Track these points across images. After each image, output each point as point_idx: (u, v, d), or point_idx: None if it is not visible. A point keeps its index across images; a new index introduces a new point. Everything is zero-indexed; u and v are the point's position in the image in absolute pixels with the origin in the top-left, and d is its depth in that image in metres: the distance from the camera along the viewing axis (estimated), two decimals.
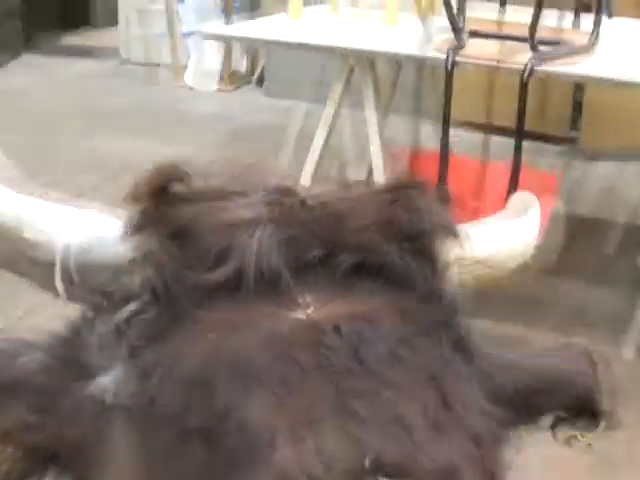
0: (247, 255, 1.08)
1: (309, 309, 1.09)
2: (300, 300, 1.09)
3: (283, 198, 1.15)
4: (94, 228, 1.16)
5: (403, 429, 1.01)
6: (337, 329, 1.06)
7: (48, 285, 1.17)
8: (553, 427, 1.34)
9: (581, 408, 1.32)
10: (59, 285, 1.16)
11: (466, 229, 1.27)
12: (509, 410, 1.23)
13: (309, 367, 1.03)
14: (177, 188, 1.15)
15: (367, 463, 0.98)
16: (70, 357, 1.15)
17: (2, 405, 1.14)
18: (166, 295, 1.08)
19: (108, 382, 1.09)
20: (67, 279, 1.16)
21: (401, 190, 1.21)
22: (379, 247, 1.13)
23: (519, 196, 1.48)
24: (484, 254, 1.31)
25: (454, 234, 1.21)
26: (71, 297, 1.17)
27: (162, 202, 1.13)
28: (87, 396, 1.11)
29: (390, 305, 1.11)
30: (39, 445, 1.16)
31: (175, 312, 1.08)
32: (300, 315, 1.08)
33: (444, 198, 1.25)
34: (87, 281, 1.15)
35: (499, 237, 1.35)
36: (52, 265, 1.15)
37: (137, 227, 1.13)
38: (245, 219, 1.11)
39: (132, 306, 1.09)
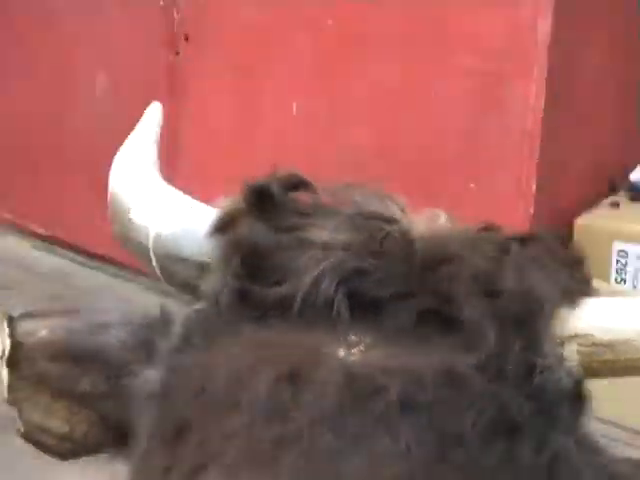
0: (304, 279, 1.04)
1: (352, 349, 1.02)
2: (349, 337, 1.03)
3: (380, 224, 1.09)
4: (187, 219, 1.19)
5: None
6: (345, 375, 0.98)
7: (151, 268, 1.21)
8: None
9: None
10: (156, 268, 1.20)
11: (593, 305, 1.10)
12: None
13: (291, 407, 0.97)
14: (279, 196, 1.13)
15: None
16: (148, 340, 1.19)
17: (82, 370, 1.22)
18: (220, 303, 1.08)
19: (158, 370, 1.13)
20: (161, 266, 1.20)
21: (516, 243, 1.09)
22: (457, 299, 1.03)
23: None
24: (608, 337, 1.09)
25: (549, 302, 1.05)
26: (172, 284, 1.21)
27: (252, 207, 1.12)
28: (143, 379, 1.15)
29: (438, 365, 1.00)
30: (110, 413, 1.22)
31: (225, 320, 1.07)
32: (333, 352, 1.02)
33: (576, 261, 1.12)
34: (177, 272, 1.18)
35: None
36: (149, 250, 1.20)
37: (220, 228, 1.13)
38: (321, 241, 1.07)
39: (198, 305, 1.12)
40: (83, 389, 1.22)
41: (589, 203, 3.72)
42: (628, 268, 3.47)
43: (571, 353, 1.09)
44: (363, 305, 1.04)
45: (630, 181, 3.65)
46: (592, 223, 3.57)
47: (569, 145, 3.67)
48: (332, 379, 0.98)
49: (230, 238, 1.11)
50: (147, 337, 1.20)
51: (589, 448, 1.09)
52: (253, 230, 1.10)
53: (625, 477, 1.09)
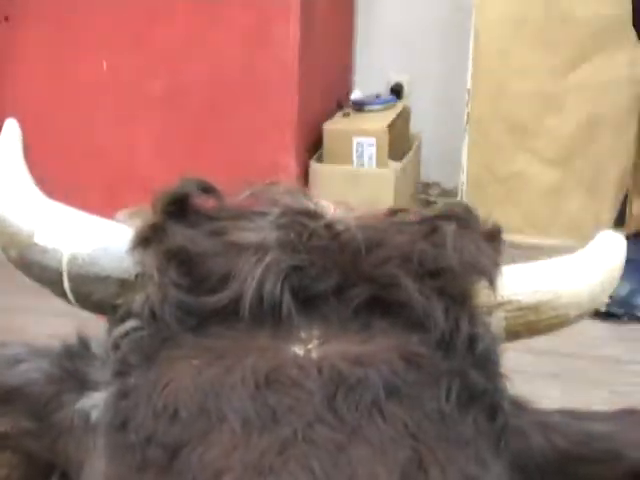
0: (247, 282, 1.02)
1: (308, 345, 1.02)
2: (301, 334, 1.02)
3: (306, 221, 1.08)
4: (102, 238, 1.13)
5: None
6: (320, 372, 0.98)
7: (59, 291, 1.14)
8: None
9: None
10: (69, 293, 1.14)
11: (513, 270, 1.15)
12: (541, 475, 1.12)
13: (279, 410, 0.96)
14: (195, 203, 1.11)
15: None
16: (73, 369, 1.13)
17: (1, 409, 1.13)
18: (160, 317, 1.03)
19: (97, 398, 1.07)
20: (76, 288, 1.13)
21: (438, 222, 1.11)
22: (397, 282, 1.04)
23: (605, 235, 1.30)
24: (534, 300, 1.16)
25: (487, 275, 1.09)
26: (84, 306, 1.15)
27: (173, 217, 1.09)
28: (79, 410, 1.10)
29: (397, 348, 1.02)
30: (36, 453, 1.14)
31: (167, 335, 1.03)
32: (295, 350, 1.01)
33: (493, 234, 1.15)
34: (94, 292, 1.12)
35: (559, 280, 1.19)
36: (60, 272, 1.13)
37: (143, 241, 1.09)
38: (254, 242, 1.05)
39: (130, 323, 1.06)
40: (4, 431, 1.14)
41: (329, 115, 5.22)
42: (365, 154, 5.04)
43: (498, 319, 1.14)
44: (306, 301, 1.04)
45: (351, 99, 5.41)
46: (335, 127, 5.16)
47: (314, 74, 5.02)
48: (309, 378, 0.98)
49: (160, 249, 1.06)
50: (71, 366, 1.13)
51: (521, 407, 1.15)
52: (182, 238, 1.07)
53: (559, 426, 1.15)
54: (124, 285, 1.10)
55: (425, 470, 0.96)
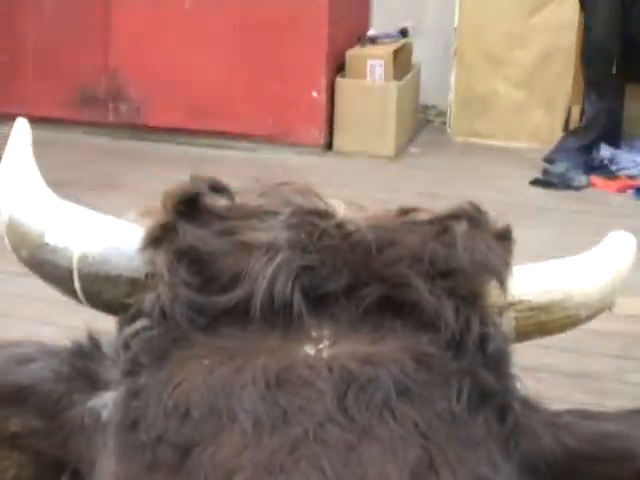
0: (258, 281, 1.02)
1: (319, 345, 1.01)
2: (312, 334, 1.02)
3: (317, 221, 1.08)
4: (113, 237, 1.13)
5: None
6: (331, 371, 0.98)
7: (69, 291, 1.14)
8: None
9: None
10: (79, 292, 1.13)
11: (524, 270, 1.15)
12: (552, 475, 1.12)
13: (290, 410, 0.96)
14: (206, 203, 1.10)
15: None
16: (84, 368, 1.12)
17: (11, 408, 1.12)
18: (171, 316, 1.03)
19: (108, 398, 1.07)
20: (86, 287, 1.13)
21: (449, 222, 1.10)
22: (408, 282, 1.04)
23: (615, 234, 1.30)
24: (545, 300, 1.16)
25: (497, 275, 1.09)
26: (94, 305, 1.14)
27: (184, 216, 1.08)
28: (90, 409, 1.09)
29: (408, 348, 1.02)
30: (45, 451, 1.14)
31: (177, 334, 1.03)
32: (306, 350, 1.01)
33: (503, 233, 1.14)
34: (105, 291, 1.12)
35: (570, 280, 1.19)
36: (71, 271, 1.12)
37: (154, 241, 1.08)
38: (265, 241, 1.05)
39: (141, 322, 1.05)
40: (13, 430, 1.13)
41: (350, 45, 7.22)
42: (375, 73, 7.06)
43: (509, 319, 1.13)
44: (317, 301, 1.03)
45: (367, 35, 7.35)
46: (354, 53, 7.19)
47: (340, 15, 7.07)
48: (320, 378, 0.98)
49: (171, 248, 1.06)
50: (82, 365, 1.13)
51: (532, 407, 1.14)
52: (193, 238, 1.06)
53: (570, 426, 1.14)
54: (135, 284, 1.10)
55: (436, 470, 0.96)
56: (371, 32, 7.41)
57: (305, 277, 1.03)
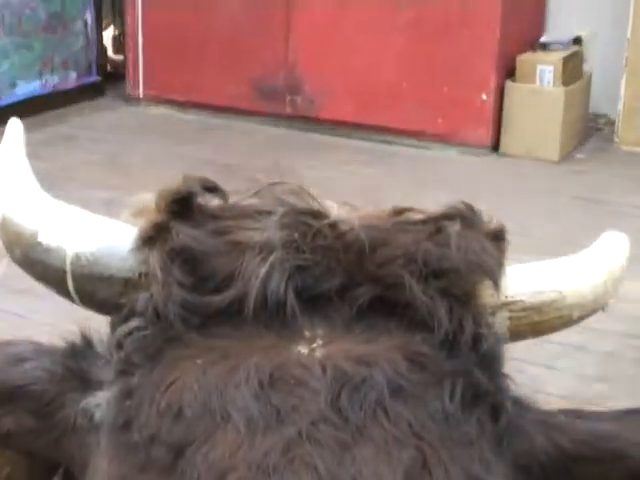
0: (252, 281, 1.02)
1: (312, 344, 1.02)
2: (305, 333, 1.02)
3: (310, 221, 1.07)
4: (106, 237, 1.13)
5: None
6: (324, 371, 0.98)
7: (63, 291, 1.14)
8: None
9: None
10: (73, 292, 1.13)
11: (517, 270, 1.15)
12: (545, 476, 1.12)
13: (284, 409, 0.96)
14: (200, 203, 1.10)
15: None
16: (77, 368, 1.12)
17: (4, 407, 1.13)
18: (164, 316, 1.03)
19: (101, 398, 1.07)
20: (80, 287, 1.13)
21: (442, 222, 1.10)
22: (401, 282, 1.04)
23: (609, 235, 1.29)
24: (538, 300, 1.15)
25: (491, 275, 1.09)
26: (88, 305, 1.14)
27: (177, 216, 1.08)
28: (82, 409, 1.09)
29: (401, 348, 1.02)
30: (38, 451, 1.14)
31: (171, 334, 1.03)
32: (299, 350, 1.01)
33: (497, 234, 1.14)
34: (98, 291, 1.12)
35: (563, 280, 1.19)
36: (64, 272, 1.12)
37: (147, 240, 1.08)
38: (258, 241, 1.05)
39: (134, 322, 1.05)
40: (7, 429, 1.13)
41: (521, 51, 7.38)
42: (545, 78, 7.25)
43: (502, 319, 1.14)
44: (310, 301, 1.04)
45: (540, 42, 7.52)
46: (525, 58, 7.35)
47: (513, 19, 7.25)
48: (314, 377, 0.98)
49: (164, 248, 1.06)
50: (75, 365, 1.12)
51: (525, 406, 1.14)
52: (186, 237, 1.06)
53: (563, 426, 1.14)
54: (128, 284, 1.10)
55: (429, 470, 0.95)
56: (544, 38, 7.61)
57: (299, 277, 1.03)
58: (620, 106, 7.42)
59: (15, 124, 1.30)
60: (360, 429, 0.95)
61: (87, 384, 1.10)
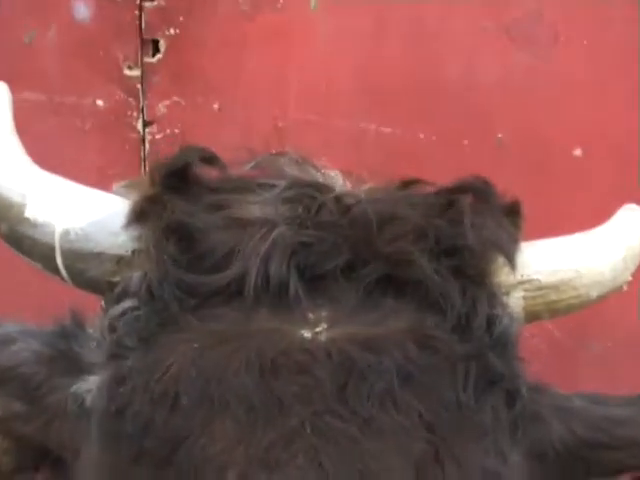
0: (252, 259, 0.97)
1: (317, 328, 0.96)
2: (309, 316, 0.97)
3: (314, 194, 1.03)
4: (97, 211, 1.07)
5: None
6: (330, 357, 0.93)
7: (52, 268, 1.09)
8: None
9: None
10: (62, 270, 1.08)
11: (533, 248, 1.09)
12: (560, 463, 1.08)
13: (286, 399, 0.91)
14: (196, 174, 1.05)
15: None
16: (67, 349, 1.08)
17: None
18: (159, 296, 0.98)
19: (92, 382, 1.02)
20: (69, 264, 1.07)
21: (454, 195, 1.05)
22: (411, 260, 0.99)
23: (626, 209, 1.22)
24: (555, 278, 1.10)
25: (506, 253, 1.04)
26: (78, 284, 1.09)
27: (172, 189, 1.03)
28: (73, 394, 1.04)
29: (411, 331, 0.97)
30: (27, 437, 1.10)
31: (166, 315, 0.98)
32: (302, 334, 0.96)
33: (512, 208, 1.09)
34: (89, 269, 1.07)
35: (580, 258, 1.13)
36: (53, 248, 1.07)
37: (140, 215, 1.03)
38: (259, 216, 1.00)
39: (127, 303, 1.00)
40: None
41: None
42: None
43: (517, 299, 1.08)
44: (314, 280, 0.99)
45: None
46: None
47: None
48: (318, 364, 0.93)
49: (158, 223, 1.01)
50: (65, 347, 1.08)
51: (540, 391, 1.10)
52: (181, 212, 1.01)
53: (579, 412, 1.11)
54: (120, 262, 1.05)
55: (441, 465, 0.92)
56: None
57: (302, 255, 0.98)
58: None
59: (1, 92, 1.21)
60: (368, 421, 0.91)
61: (78, 367, 1.06)
